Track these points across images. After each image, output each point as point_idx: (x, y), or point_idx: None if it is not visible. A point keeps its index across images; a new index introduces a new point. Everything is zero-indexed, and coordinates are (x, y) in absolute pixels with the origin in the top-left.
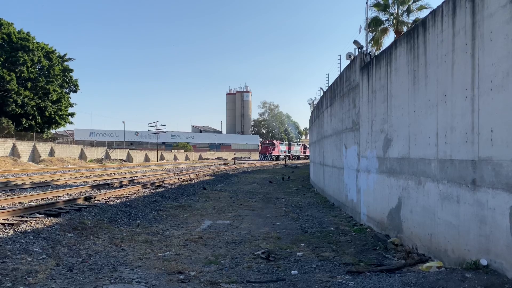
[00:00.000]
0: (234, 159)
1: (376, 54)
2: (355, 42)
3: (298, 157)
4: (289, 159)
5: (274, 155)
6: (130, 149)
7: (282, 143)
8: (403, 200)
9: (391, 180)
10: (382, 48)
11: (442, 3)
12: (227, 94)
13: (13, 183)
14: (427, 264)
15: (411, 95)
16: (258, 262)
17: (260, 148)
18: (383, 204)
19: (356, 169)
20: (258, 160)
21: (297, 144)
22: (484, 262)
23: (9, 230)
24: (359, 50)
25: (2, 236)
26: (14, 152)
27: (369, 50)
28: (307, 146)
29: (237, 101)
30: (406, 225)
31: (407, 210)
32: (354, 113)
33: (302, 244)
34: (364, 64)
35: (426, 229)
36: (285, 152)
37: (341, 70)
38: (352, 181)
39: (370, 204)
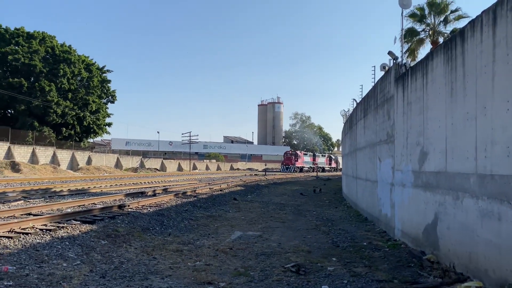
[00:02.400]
0: (265, 170)
1: (411, 65)
2: (390, 53)
3: (323, 169)
4: (313, 171)
5: (298, 167)
6: (164, 159)
7: (306, 154)
8: (439, 216)
9: (427, 194)
10: (418, 59)
11: (482, 12)
12: (258, 105)
13: (52, 190)
14: (466, 284)
15: (448, 107)
16: (288, 275)
17: (282, 159)
18: (418, 220)
19: (390, 183)
20: (279, 171)
21: (322, 156)
22: None
23: (47, 235)
24: (394, 61)
25: (40, 241)
26: (54, 160)
27: (404, 61)
28: (333, 157)
29: (268, 112)
30: (443, 242)
31: (444, 226)
32: (389, 125)
33: (334, 259)
34: (399, 75)
35: (465, 247)
36: (309, 163)
37: (375, 81)
38: (386, 195)
39: (404, 219)
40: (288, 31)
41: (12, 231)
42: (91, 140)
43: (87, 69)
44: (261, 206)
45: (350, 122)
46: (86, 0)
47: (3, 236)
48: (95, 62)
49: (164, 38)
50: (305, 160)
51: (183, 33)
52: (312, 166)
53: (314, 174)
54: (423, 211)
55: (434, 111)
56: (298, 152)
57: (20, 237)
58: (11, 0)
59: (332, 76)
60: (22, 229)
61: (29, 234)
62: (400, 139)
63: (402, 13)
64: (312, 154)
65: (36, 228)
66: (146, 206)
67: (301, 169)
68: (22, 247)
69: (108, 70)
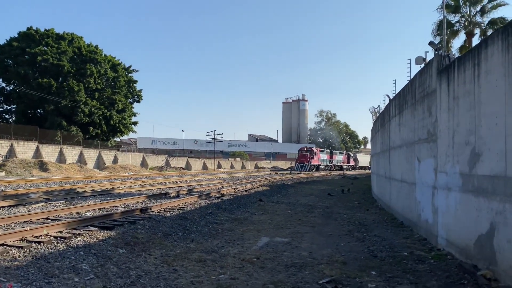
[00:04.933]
0: (290, 168)
1: (456, 56)
2: (431, 43)
3: (341, 168)
4: (330, 170)
5: (313, 165)
6: (189, 157)
7: (322, 151)
8: (497, 226)
9: (480, 201)
10: (452, 52)
11: None
12: (283, 103)
13: (76, 191)
14: None
15: (508, 102)
16: None
17: (296, 157)
18: (468, 228)
19: (432, 186)
20: (294, 170)
21: (340, 153)
22: None
23: (61, 244)
24: (436, 52)
25: (53, 251)
26: (81, 159)
27: (446, 52)
28: (351, 155)
29: (293, 110)
30: (501, 257)
31: (503, 238)
32: (430, 123)
33: (373, 272)
34: (442, 67)
35: None
36: (326, 161)
37: (411, 75)
38: (427, 199)
39: (450, 226)
40: (314, 27)
41: (24, 240)
42: (117, 139)
43: (113, 69)
44: (288, 208)
45: (382, 119)
46: (112, 1)
47: (14, 246)
48: (121, 62)
49: (188, 37)
50: (321, 157)
51: (207, 32)
52: (329, 164)
53: (339, 172)
54: (475, 219)
55: (489, 106)
56: (313, 148)
57: (31, 247)
58: (40, 2)
59: (359, 72)
60: (34, 237)
61: (42, 243)
62: (444, 138)
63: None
64: (329, 151)
65: (50, 236)
66: (169, 209)
67: (317, 168)
68: (33, 258)
69: (134, 70)
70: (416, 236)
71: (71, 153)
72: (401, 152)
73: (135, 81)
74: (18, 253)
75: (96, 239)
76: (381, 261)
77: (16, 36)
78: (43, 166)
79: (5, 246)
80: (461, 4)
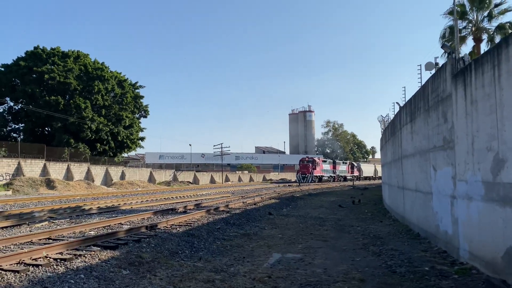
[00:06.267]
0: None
1: (470, 58)
2: (444, 46)
3: (345, 178)
4: (334, 180)
5: (316, 176)
6: (196, 171)
7: (325, 161)
8: None
9: (507, 211)
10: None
11: None
12: (289, 114)
13: (82, 208)
14: None
15: None
16: None
17: (298, 168)
18: (494, 240)
19: (450, 195)
20: (295, 182)
21: (343, 163)
22: None
23: (60, 266)
24: (449, 55)
25: (51, 274)
26: (88, 176)
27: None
28: (355, 165)
29: (299, 121)
30: None
31: None
32: (446, 129)
33: None
34: (457, 71)
35: None
36: (328, 172)
37: (422, 82)
38: (445, 209)
39: (473, 238)
40: (319, 39)
41: (21, 263)
42: (125, 155)
43: (119, 85)
44: (298, 221)
45: (393, 127)
46: (118, 16)
47: (10, 270)
48: (128, 78)
49: (195, 51)
50: (324, 168)
51: (214, 45)
52: (332, 175)
53: (347, 183)
54: (502, 230)
55: None
56: (316, 158)
57: (28, 271)
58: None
59: (366, 82)
60: (33, 259)
61: (40, 266)
62: (462, 144)
63: (454, 1)
64: (332, 161)
65: (50, 258)
66: (176, 225)
67: (320, 179)
68: (29, 283)
69: (140, 86)
70: (435, 249)
71: (79, 170)
72: (414, 160)
73: (142, 97)
74: (13, 278)
75: (99, 259)
76: (402, 277)
77: (23, 55)
78: (50, 184)
79: (0, 271)
80: (467, 10)
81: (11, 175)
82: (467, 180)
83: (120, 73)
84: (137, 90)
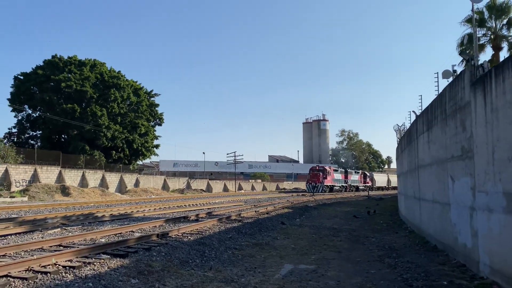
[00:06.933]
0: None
1: (491, 66)
2: (463, 53)
3: (357, 188)
4: (345, 190)
5: (327, 185)
6: (209, 179)
7: (336, 171)
8: None
9: None
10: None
11: None
12: (303, 123)
13: (94, 215)
14: None
15: None
16: None
17: (308, 176)
18: None
19: (469, 207)
20: (305, 191)
21: (355, 173)
22: None
23: (69, 274)
24: (468, 62)
25: (59, 282)
26: (103, 183)
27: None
28: (367, 174)
29: (314, 130)
30: None
31: None
32: (464, 138)
33: None
34: (476, 78)
35: None
36: (340, 181)
37: (439, 90)
38: (464, 221)
39: (494, 252)
40: (333, 47)
41: (30, 270)
42: (140, 163)
43: (135, 94)
44: (312, 231)
45: (409, 137)
46: (133, 26)
47: (18, 278)
48: (143, 86)
49: (209, 61)
50: (335, 177)
51: (228, 54)
52: (344, 184)
53: (362, 193)
54: None
55: None
56: (326, 167)
57: (37, 278)
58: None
59: (381, 91)
60: (41, 266)
61: (48, 274)
62: (482, 154)
63: (472, 8)
64: (343, 170)
65: (59, 265)
66: (187, 233)
67: (331, 189)
68: None
69: (155, 94)
70: (453, 262)
71: (93, 177)
72: (431, 170)
73: (157, 105)
74: (21, 285)
75: (108, 268)
76: None
77: (41, 64)
78: (65, 191)
79: (8, 278)
80: (486, 17)
81: (27, 182)
82: (488, 191)
83: (136, 82)
84: (152, 98)
